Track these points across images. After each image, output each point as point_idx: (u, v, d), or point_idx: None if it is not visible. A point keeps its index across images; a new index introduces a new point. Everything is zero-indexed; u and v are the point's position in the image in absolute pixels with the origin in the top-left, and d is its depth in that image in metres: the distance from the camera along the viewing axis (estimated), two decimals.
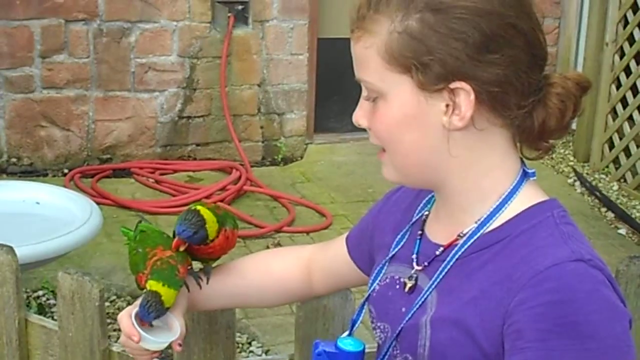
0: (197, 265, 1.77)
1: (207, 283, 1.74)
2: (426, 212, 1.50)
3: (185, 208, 1.75)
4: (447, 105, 1.31)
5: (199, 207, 1.70)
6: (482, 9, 1.29)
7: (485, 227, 1.36)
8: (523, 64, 1.32)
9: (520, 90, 1.32)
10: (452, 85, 1.30)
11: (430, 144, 1.34)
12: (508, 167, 1.38)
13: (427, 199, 1.51)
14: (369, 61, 1.34)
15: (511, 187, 1.37)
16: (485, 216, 1.36)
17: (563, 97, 1.34)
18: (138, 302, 1.65)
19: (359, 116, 1.40)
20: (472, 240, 1.36)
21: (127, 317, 1.62)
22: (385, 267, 1.51)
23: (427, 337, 1.35)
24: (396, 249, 1.50)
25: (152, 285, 1.64)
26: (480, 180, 1.36)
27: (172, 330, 1.64)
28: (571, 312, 1.23)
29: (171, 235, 1.76)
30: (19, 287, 2.07)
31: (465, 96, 1.30)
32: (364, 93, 1.38)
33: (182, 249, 1.69)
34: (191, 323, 1.91)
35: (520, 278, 1.27)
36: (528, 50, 1.32)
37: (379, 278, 1.51)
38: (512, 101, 1.32)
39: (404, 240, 1.50)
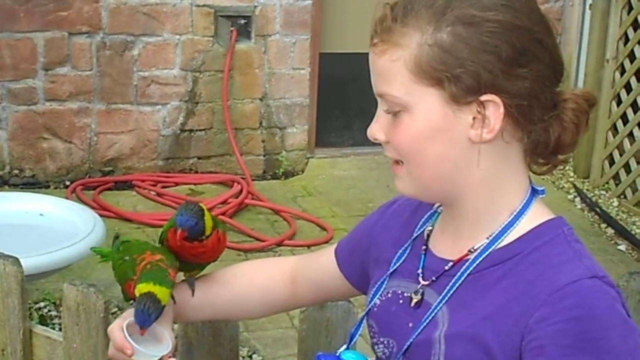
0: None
1: (193, 295, 1.71)
2: (429, 227, 1.49)
3: None
4: (474, 118, 1.32)
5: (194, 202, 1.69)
6: (513, 24, 1.31)
7: (496, 243, 1.37)
8: (547, 79, 1.34)
9: (544, 104, 1.34)
10: (483, 97, 1.31)
11: (453, 157, 1.34)
12: (520, 182, 1.39)
13: (428, 214, 1.52)
14: (395, 74, 1.33)
15: (522, 204, 1.38)
16: (496, 232, 1.38)
17: (577, 112, 1.37)
18: (126, 314, 1.61)
19: (376, 130, 1.39)
20: (483, 256, 1.37)
21: (118, 330, 1.56)
22: (385, 282, 1.50)
23: (442, 352, 1.36)
24: (397, 264, 1.50)
25: (142, 287, 1.58)
26: (495, 195, 1.38)
27: (162, 343, 1.59)
28: (592, 328, 1.25)
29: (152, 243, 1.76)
30: (24, 298, 2.08)
31: (495, 109, 1.31)
32: (383, 107, 1.37)
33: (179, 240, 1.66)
34: (195, 336, 1.92)
35: (539, 295, 1.28)
36: (551, 65, 1.35)
37: (379, 293, 1.50)
38: (536, 115, 1.33)
39: (405, 255, 1.50)
